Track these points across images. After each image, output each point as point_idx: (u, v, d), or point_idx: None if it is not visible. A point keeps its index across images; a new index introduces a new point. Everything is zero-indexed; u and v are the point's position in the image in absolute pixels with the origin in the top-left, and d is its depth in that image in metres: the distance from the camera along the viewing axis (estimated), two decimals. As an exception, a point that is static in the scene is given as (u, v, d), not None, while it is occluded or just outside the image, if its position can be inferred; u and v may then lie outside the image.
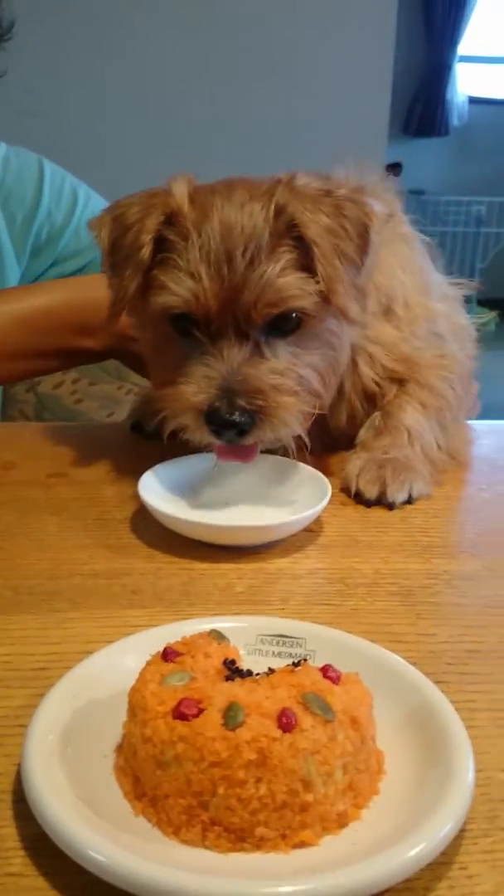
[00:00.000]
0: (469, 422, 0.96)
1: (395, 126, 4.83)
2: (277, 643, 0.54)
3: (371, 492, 0.80)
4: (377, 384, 0.87)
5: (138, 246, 0.75)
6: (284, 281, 0.72)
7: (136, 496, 0.74)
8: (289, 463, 0.79)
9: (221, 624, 0.52)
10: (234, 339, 0.73)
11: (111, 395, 1.41)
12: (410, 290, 0.89)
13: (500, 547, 0.73)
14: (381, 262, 0.84)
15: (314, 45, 3.14)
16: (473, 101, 5.50)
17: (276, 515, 0.74)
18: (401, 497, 0.80)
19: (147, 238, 0.74)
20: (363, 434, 0.87)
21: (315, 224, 0.73)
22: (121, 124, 3.05)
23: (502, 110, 5.49)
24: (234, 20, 3.08)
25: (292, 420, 0.74)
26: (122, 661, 0.50)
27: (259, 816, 0.40)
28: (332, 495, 0.74)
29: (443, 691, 0.48)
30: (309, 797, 0.40)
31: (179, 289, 0.73)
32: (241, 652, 0.50)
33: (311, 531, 0.74)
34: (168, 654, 0.46)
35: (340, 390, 0.85)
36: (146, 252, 0.74)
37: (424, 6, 5.17)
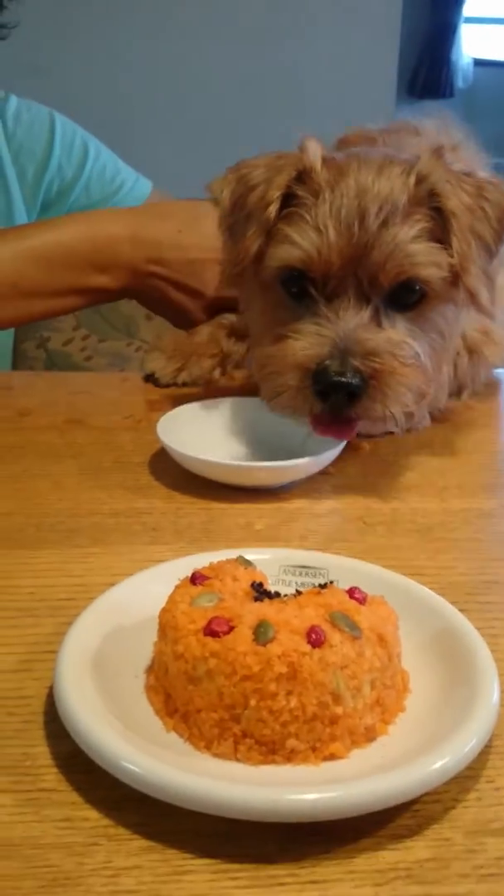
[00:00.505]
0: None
1: (401, 87, 4.76)
2: (301, 573, 0.54)
3: None
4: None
5: (266, 203, 0.71)
6: (417, 247, 0.69)
7: (153, 442, 0.74)
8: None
9: (245, 556, 0.53)
10: (353, 302, 0.69)
11: (121, 352, 1.41)
12: (494, 263, 0.88)
13: (516, 487, 0.73)
14: None
15: (322, 6, 3.10)
16: (478, 62, 5.42)
17: (294, 456, 0.74)
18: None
19: (276, 194, 0.71)
20: None
21: (456, 198, 0.70)
22: (127, 82, 3.02)
23: (508, 72, 5.43)
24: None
25: (407, 394, 0.69)
26: (148, 588, 0.50)
27: (290, 728, 0.40)
28: (349, 439, 0.74)
29: (465, 618, 0.49)
30: (338, 710, 0.41)
31: (303, 241, 0.69)
32: (266, 582, 0.50)
33: (329, 474, 0.74)
34: (196, 578, 0.46)
35: None
36: (273, 209, 0.71)
37: (430, -34, 5.10)
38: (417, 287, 0.70)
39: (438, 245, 0.70)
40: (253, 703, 0.40)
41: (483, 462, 0.79)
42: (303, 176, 0.72)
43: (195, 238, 0.84)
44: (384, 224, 0.68)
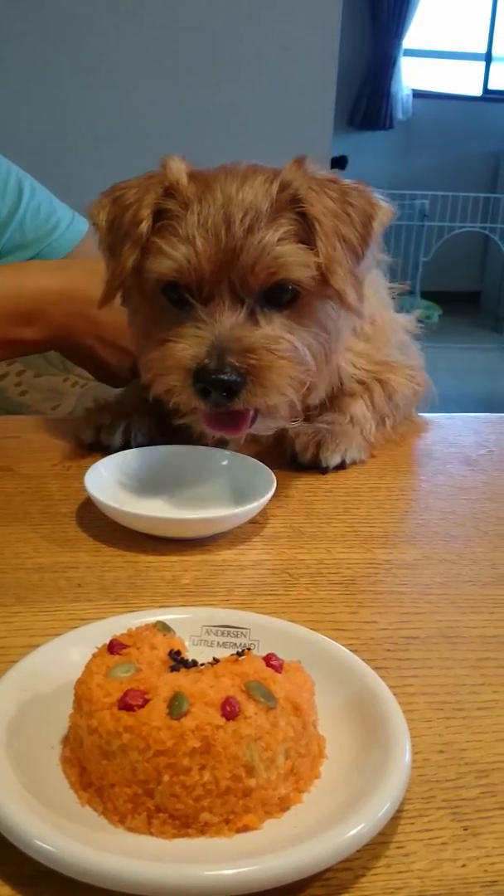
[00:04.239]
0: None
1: (341, 119, 4.86)
2: (222, 633, 0.55)
3: (305, 455, 0.83)
4: (360, 382, 0.90)
5: (137, 221, 0.75)
6: (283, 248, 0.73)
7: (82, 490, 0.74)
8: (234, 456, 0.80)
9: (167, 616, 0.53)
10: (228, 304, 0.73)
11: (56, 388, 1.40)
12: (377, 307, 0.91)
13: (437, 536, 0.75)
14: None
15: (258, 37, 3.13)
16: (418, 94, 5.56)
17: (222, 507, 0.75)
18: (334, 460, 0.84)
19: (146, 212, 0.75)
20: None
21: (319, 203, 0.74)
22: (64, 120, 3.01)
23: (446, 104, 5.57)
24: (175, 9, 3.05)
25: (285, 385, 0.73)
26: (67, 653, 0.50)
27: (203, 802, 0.41)
28: (277, 488, 0.75)
29: (382, 677, 0.50)
30: (252, 782, 0.41)
31: (174, 253, 0.73)
32: (187, 643, 0.51)
33: (257, 523, 0.75)
34: (114, 647, 0.46)
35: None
36: (145, 226, 0.75)
37: (370, -1, 5.22)
38: (290, 286, 0.75)
39: (305, 246, 0.74)
40: (166, 778, 0.40)
41: (407, 510, 0.81)
42: (171, 191, 0.76)
43: None
44: (250, 229, 0.72)
